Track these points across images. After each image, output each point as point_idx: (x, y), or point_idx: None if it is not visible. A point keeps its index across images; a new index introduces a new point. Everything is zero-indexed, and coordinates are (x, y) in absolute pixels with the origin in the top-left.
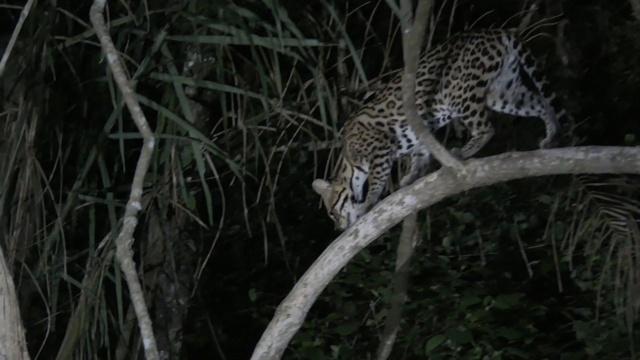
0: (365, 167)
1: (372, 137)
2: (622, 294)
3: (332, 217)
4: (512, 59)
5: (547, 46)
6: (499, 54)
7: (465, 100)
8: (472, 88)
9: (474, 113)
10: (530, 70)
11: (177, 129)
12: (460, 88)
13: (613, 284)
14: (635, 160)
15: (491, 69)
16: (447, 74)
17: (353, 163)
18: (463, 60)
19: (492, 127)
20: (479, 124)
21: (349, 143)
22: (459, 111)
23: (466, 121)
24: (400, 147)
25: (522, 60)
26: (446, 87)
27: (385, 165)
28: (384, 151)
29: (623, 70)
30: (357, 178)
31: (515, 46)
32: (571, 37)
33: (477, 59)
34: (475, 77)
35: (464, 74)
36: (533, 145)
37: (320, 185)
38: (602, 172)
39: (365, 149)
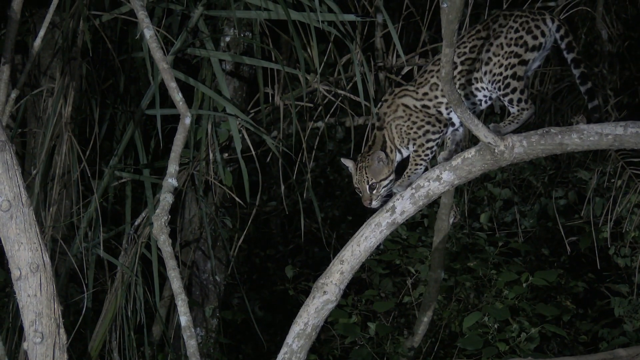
0: (406, 150)
1: (423, 121)
2: None
3: (367, 191)
4: (550, 42)
5: (587, 20)
6: (543, 34)
7: (505, 77)
8: (513, 66)
9: (514, 90)
10: (569, 57)
11: (214, 104)
12: (501, 65)
13: None
14: None
15: (534, 48)
16: (487, 51)
17: (398, 145)
18: (506, 37)
19: (533, 105)
20: (519, 100)
21: (395, 125)
22: (498, 89)
23: (506, 98)
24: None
25: (563, 46)
26: (486, 64)
27: (434, 148)
28: (437, 135)
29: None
30: (396, 161)
31: (557, 30)
32: (611, 10)
33: (521, 37)
34: (517, 55)
35: (505, 52)
36: (572, 120)
37: (382, 157)
38: None
39: (416, 132)
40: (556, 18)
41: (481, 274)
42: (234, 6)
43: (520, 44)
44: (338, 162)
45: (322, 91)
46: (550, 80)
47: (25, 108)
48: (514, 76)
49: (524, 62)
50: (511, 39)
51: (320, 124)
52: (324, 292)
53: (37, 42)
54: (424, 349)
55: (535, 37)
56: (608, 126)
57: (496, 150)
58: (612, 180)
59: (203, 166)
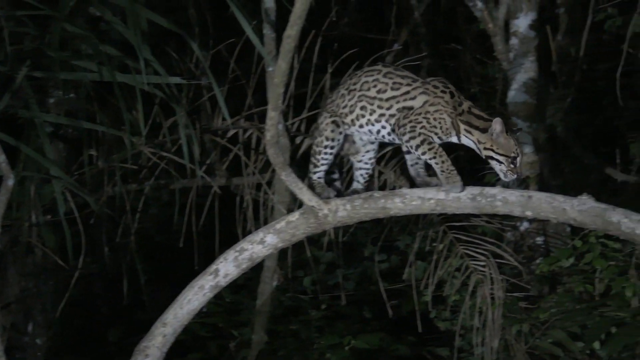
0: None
1: None
2: (481, 334)
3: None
4: None
5: None
6: None
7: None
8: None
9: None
10: None
11: (38, 166)
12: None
13: (472, 324)
14: (495, 201)
15: None
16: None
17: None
18: None
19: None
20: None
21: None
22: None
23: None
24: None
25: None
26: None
27: None
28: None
29: (485, 109)
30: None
31: None
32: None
33: None
34: None
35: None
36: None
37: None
38: (463, 212)
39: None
40: None
41: (304, 337)
42: (59, 67)
43: None
44: (163, 224)
45: (147, 153)
46: None
47: None
48: None
49: None
50: None
51: (144, 186)
52: (146, 355)
53: None
54: None
55: None
56: (430, 191)
57: (320, 214)
58: (434, 244)
59: (25, 228)
